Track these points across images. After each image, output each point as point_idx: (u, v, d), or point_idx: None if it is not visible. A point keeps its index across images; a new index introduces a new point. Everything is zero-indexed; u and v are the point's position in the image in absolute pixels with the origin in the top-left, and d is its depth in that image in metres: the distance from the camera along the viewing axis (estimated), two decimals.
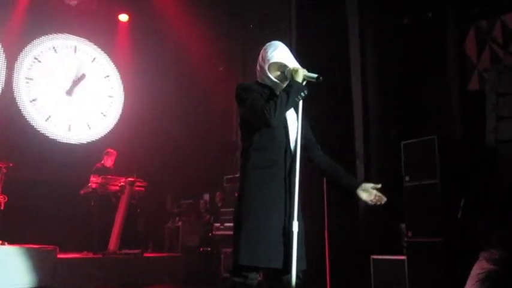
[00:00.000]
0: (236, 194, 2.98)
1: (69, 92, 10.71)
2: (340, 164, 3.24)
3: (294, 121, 2.99)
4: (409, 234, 6.53)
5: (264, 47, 3.08)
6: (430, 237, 6.24)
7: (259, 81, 3.08)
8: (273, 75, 3.00)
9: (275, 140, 2.91)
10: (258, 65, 3.08)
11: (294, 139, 2.95)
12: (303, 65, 3.05)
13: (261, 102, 2.86)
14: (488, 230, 4.26)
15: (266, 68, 3.00)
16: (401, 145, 6.75)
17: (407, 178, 6.64)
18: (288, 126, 2.97)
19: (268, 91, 3.00)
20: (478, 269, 3.48)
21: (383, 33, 7.78)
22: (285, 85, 2.97)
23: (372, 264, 6.91)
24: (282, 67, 3.01)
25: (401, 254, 6.70)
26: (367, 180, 7.56)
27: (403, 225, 6.77)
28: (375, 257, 6.92)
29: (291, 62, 3.02)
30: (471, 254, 4.05)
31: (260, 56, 3.07)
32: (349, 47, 7.98)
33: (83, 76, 10.86)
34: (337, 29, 7.99)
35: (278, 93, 2.95)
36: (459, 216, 5.48)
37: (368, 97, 7.77)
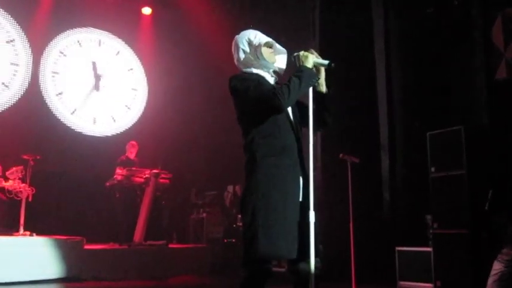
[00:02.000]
0: (244, 186, 2.89)
1: (97, 87, 10.80)
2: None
3: (293, 109, 2.96)
4: (435, 225, 6.47)
5: (240, 39, 3.05)
6: (456, 228, 6.18)
7: (247, 70, 3.03)
8: (268, 58, 2.99)
9: (281, 127, 2.83)
10: (242, 56, 3.03)
11: (298, 124, 2.93)
12: (327, 52, 3.01)
13: (265, 87, 2.81)
14: (506, 225, 4.21)
15: (260, 51, 2.96)
16: (427, 136, 6.67)
17: (433, 169, 6.56)
18: (290, 114, 2.91)
19: (263, 78, 2.95)
20: (494, 269, 3.47)
21: (408, 23, 7.69)
22: (274, 67, 3.01)
23: (396, 256, 6.87)
24: (270, 47, 3.01)
25: (427, 245, 6.64)
26: (392, 173, 7.54)
27: (428, 217, 6.71)
28: (400, 248, 6.87)
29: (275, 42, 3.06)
30: (498, 247, 3.99)
31: (242, 46, 3.02)
32: (374, 37, 7.91)
33: (94, 65, 10.87)
34: (361, 18, 7.92)
35: (270, 79, 2.96)
36: (486, 207, 5.39)
37: (393, 87, 7.70)
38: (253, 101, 2.83)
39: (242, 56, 3.02)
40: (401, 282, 6.78)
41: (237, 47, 3.04)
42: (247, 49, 3.00)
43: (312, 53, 2.88)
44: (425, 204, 6.78)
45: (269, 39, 3.03)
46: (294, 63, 2.94)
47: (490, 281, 3.45)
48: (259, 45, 2.97)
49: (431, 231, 6.56)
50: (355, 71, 7.41)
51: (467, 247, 6.03)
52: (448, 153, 6.40)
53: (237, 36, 3.09)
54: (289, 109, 2.92)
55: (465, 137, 6.23)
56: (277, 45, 3.07)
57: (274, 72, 3.08)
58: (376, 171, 7.50)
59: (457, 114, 6.85)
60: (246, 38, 3.02)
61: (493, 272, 3.46)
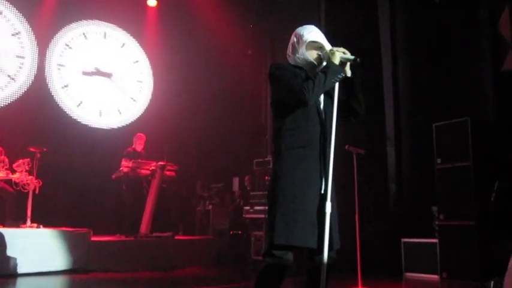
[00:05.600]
0: (269, 175, 2.97)
1: (85, 73, 10.72)
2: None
3: (326, 102, 2.99)
4: (441, 217, 6.48)
5: (298, 30, 3.07)
6: (462, 220, 6.19)
7: (292, 63, 3.06)
8: (310, 57, 2.99)
9: (308, 120, 2.89)
10: (290, 47, 3.07)
11: (327, 119, 2.94)
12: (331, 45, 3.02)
13: (298, 80, 2.86)
14: None
15: (303, 48, 2.99)
16: (433, 127, 6.66)
17: (439, 160, 6.57)
18: (320, 107, 2.96)
19: (302, 72, 2.97)
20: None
21: (414, 14, 7.65)
22: (319, 68, 2.96)
23: (402, 247, 6.89)
24: (318, 48, 3.01)
25: (433, 237, 6.66)
26: (398, 164, 7.52)
27: (434, 208, 6.72)
28: (406, 239, 6.89)
29: (327, 44, 3.03)
30: (504, 238, 4.00)
31: (293, 39, 3.06)
32: (379, 28, 7.87)
33: (109, 74, 10.90)
34: (367, 8, 7.88)
35: (311, 75, 2.94)
36: (492, 199, 5.39)
37: (399, 78, 7.68)
38: (283, 91, 2.92)
39: (290, 49, 3.07)
40: (407, 274, 6.80)
41: (292, 38, 3.07)
42: (297, 44, 3.03)
43: (338, 50, 2.93)
44: (431, 196, 6.79)
45: (318, 40, 3.02)
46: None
47: (510, 265, 3.47)
48: (305, 42, 2.99)
49: (437, 222, 6.57)
50: (361, 63, 7.38)
51: (473, 238, 6.04)
52: (454, 144, 6.40)
53: (298, 27, 3.09)
54: (322, 103, 2.98)
55: (471, 129, 6.23)
56: (328, 47, 3.03)
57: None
58: (382, 163, 7.49)
59: (463, 105, 6.83)
60: (301, 32, 3.04)
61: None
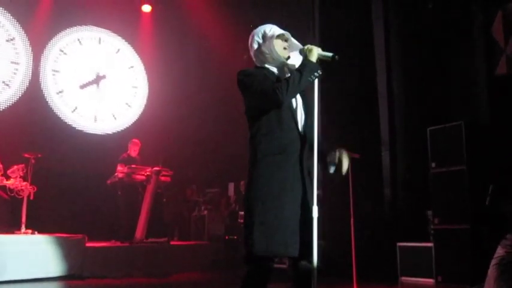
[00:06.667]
0: (246, 182, 2.89)
1: (82, 87, 10.71)
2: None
3: (300, 104, 2.91)
4: (436, 221, 6.49)
5: (257, 31, 2.99)
6: (457, 224, 6.20)
7: (259, 65, 2.98)
8: (278, 52, 2.90)
9: (283, 124, 2.79)
10: (255, 48, 2.97)
11: (302, 122, 2.86)
12: (327, 50, 2.98)
13: (269, 82, 2.78)
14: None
15: (271, 43, 2.89)
16: (428, 131, 6.68)
17: (433, 164, 6.58)
18: (294, 109, 2.87)
19: (272, 73, 2.91)
20: (496, 253, 3.52)
21: (408, 19, 7.68)
22: (288, 65, 2.90)
23: (398, 251, 6.89)
24: (284, 42, 2.93)
25: (428, 241, 6.66)
26: (393, 168, 7.53)
27: (429, 212, 6.73)
28: (401, 244, 6.89)
29: (290, 36, 2.97)
30: (499, 242, 4.01)
31: (256, 39, 2.96)
32: (373, 34, 7.90)
33: (103, 77, 10.90)
34: (361, 12, 7.91)
35: (281, 74, 2.88)
36: (487, 203, 5.40)
37: (393, 83, 7.70)
38: (255, 95, 2.82)
39: (256, 47, 2.96)
40: (403, 278, 6.80)
41: (253, 40, 2.98)
42: (261, 41, 2.94)
43: (316, 46, 2.86)
44: (426, 200, 6.80)
45: (284, 32, 2.95)
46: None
47: (491, 264, 3.51)
48: (272, 37, 2.90)
49: (432, 226, 6.58)
50: (355, 68, 7.41)
51: (468, 242, 6.04)
52: (448, 148, 6.42)
53: (254, 29, 3.03)
54: (299, 105, 2.90)
55: (465, 133, 6.25)
56: (295, 42, 2.98)
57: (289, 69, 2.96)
58: (376, 167, 7.50)
59: (457, 109, 6.85)
60: (262, 30, 2.96)
61: (495, 256, 3.52)
